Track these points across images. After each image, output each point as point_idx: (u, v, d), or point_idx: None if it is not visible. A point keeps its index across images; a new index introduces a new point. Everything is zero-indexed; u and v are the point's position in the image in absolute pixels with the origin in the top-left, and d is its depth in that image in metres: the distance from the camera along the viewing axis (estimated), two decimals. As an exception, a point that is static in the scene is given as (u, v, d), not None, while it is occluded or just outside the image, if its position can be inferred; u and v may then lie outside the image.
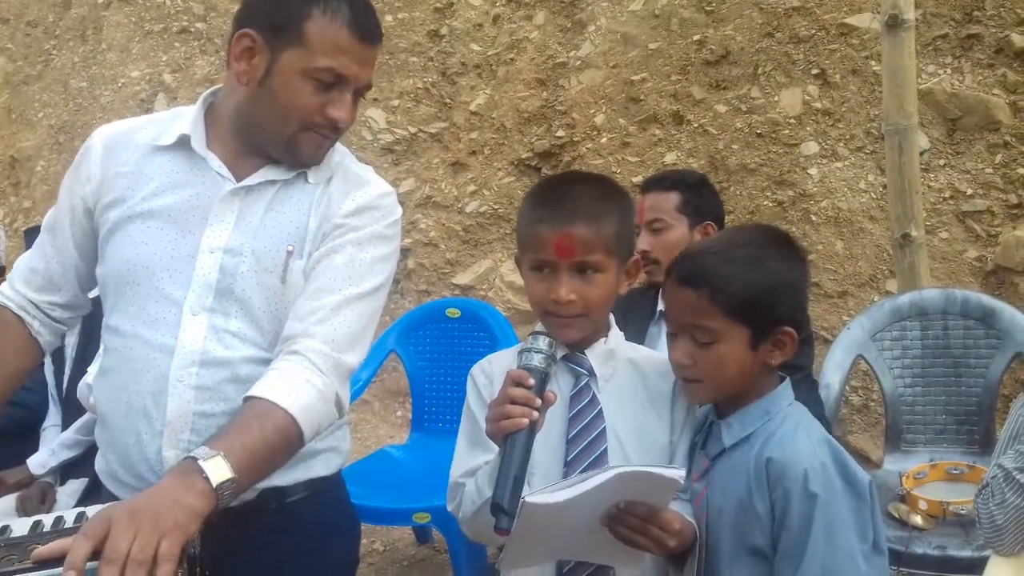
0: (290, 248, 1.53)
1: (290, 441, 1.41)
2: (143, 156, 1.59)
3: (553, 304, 1.51)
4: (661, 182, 2.59)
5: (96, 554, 1.11)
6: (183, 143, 1.57)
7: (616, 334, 1.62)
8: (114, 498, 1.53)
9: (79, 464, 2.79)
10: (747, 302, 1.46)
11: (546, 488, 1.34)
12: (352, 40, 1.48)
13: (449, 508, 1.57)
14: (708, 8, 4.46)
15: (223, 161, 1.56)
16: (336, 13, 1.47)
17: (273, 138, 1.54)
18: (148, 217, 1.55)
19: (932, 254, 3.61)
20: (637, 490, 1.36)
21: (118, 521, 1.14)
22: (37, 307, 1.69)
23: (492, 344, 3.35)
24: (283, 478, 1.55)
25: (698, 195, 2.56)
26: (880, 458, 2.95)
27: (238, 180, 1.55)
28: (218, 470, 1.25)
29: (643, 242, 2.48)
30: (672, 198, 2.52)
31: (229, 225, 1.53)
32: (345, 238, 1.55)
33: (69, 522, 1.32)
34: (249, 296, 1.52)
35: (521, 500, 1.29)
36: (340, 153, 1.65)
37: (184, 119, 1.59)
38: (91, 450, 2.55)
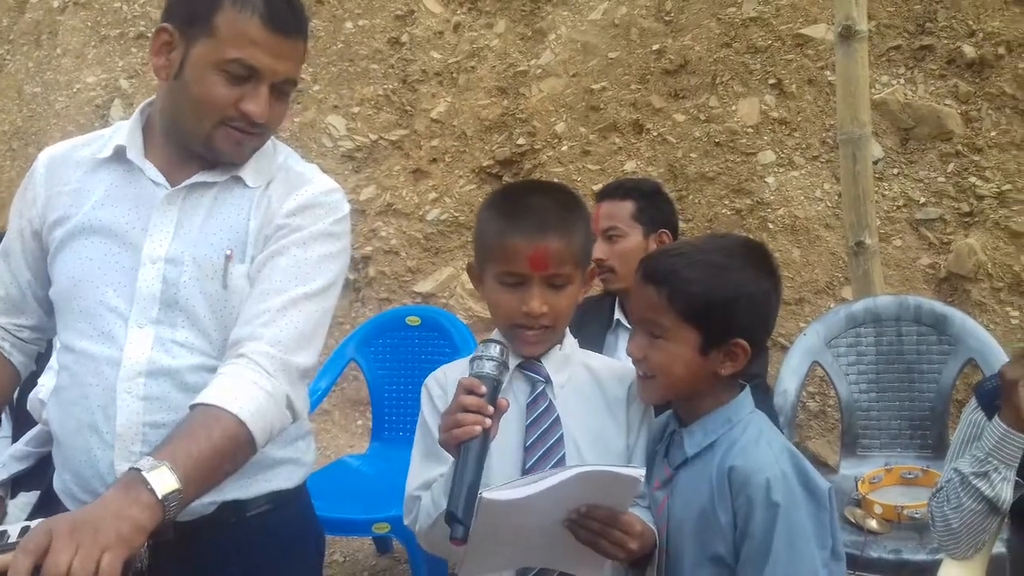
0: (228, 252, 1.50)
1: (240, 446, 1.38)
2: (85, 172, 1.57)
3: (524, 316, 1.50)
4: (616, 191, 2.60)
5: (38, 568, 1.09)
6: (120, 154, 1.55)
7: (570, 341, 1.62)
8: None
9: (30, 477, 2.73)
10: (702, 307, 1.47)
11: (505, 485, 1.34)
12: (264, 32, 1.45)
13: (406, 522, 1.56)
14: (667, 18, 4.51)
15: (160, 169, 1.54)
16: (247, 4, 1.44)
17: (192, 135, 1.51)
18: (90, 232, 1.53)
19: (886, 261, 3.67)
20: (598, 492, 1.36)
21: (59, 535, 1.12)
22: (6, 330, 1.67)
23: (453, 352, 3.34)
24: (243, 491, 1.53)
25: (653, 204, 2.58)
26: (837, 463, 2.98)
27: (174, 186, 1.53)
28: (163, 481, 1.22)
29: (598, 250, 2.49)
30: (627, 207, 2.54)
31: (169, 234, 1.51)
32: (288, 239, 1.52)
33: (13, 536, 1.28)
34: (193, 305, 1.49)
35: (479, 496, 1.29)
36: (283, 154, 1.63)
37: (122, 131, 1.58)
38: (42, 462, 2.51)
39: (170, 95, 1.52)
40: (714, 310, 1.47)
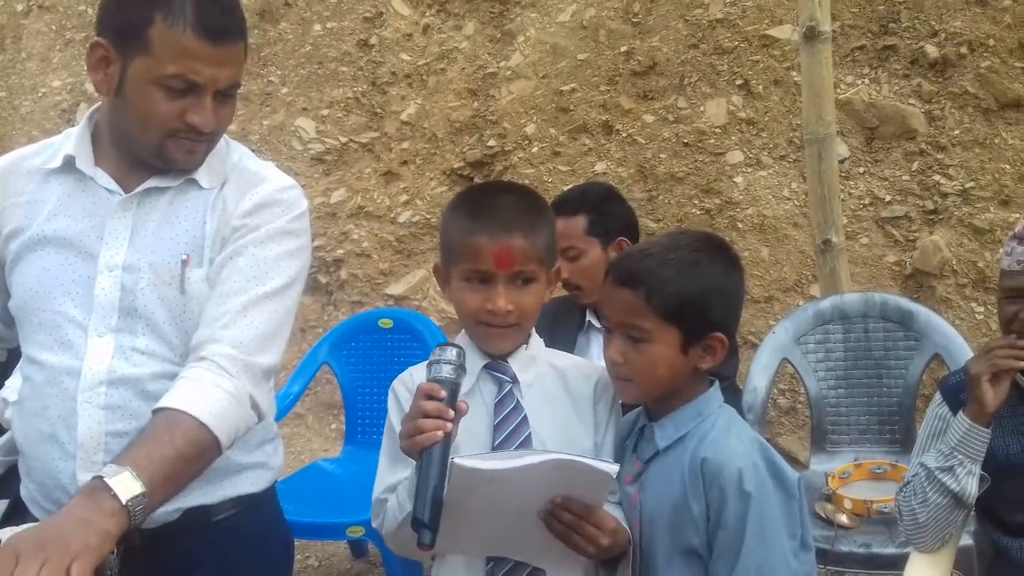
0: (184, 257, 1.50)
1: (204, 449, 1.38)
2: (37, 183, 1.56)
3: (489, 314, 1.51)
4: (565, 207, 2.50)
5: None
6: (70, 164, 1.53)
7: (536, 340, 1.64)
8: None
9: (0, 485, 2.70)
10: (680, 305, 1.48)
11: (478, 455, 1.34)
12: (199, 43, 1.41)
13: (374, 525, 1.57)
14: (635, 20, 4.53)
15: (112, 176, 1.53)
16: (180, 16, 1.40)
17: (141, 148, 1.50)
18: (46, 243, 1.51)
19: (853, 259, 3.71)
20: (571, 484, 1.37)
21: (25, 552, 1.11)
22: None
23: (425, 354, 3.27)
24: (209, 495, 1.53)
25: (604, 214, 2.51)
26: (807, 459, 3.02)
27: (127, 193, 1.52)
28: (127, 486, 1.22)
29: (561, 270, 2.46)
30: (579, 223, 2.47)
31: (124, 241, 1.50)
32: (246, 239, 1.51)
33: (-14, 547, 1.27)
34: (152, 311, 1.49)
35: (450, 461, 1.30)
36: (237, 153, 1.62)
37: (71, 139, 1.56)
38: (11, 471, 2.47)
39: (114, 111, 1.50)
40: (692, 306, 1.49)
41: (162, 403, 1.38)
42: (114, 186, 1.52)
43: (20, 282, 1.53)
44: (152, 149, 1.49)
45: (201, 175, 1.54)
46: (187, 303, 1.49)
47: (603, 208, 2.54)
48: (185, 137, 1.48)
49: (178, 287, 1.49)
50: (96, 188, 1.53)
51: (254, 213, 1.53)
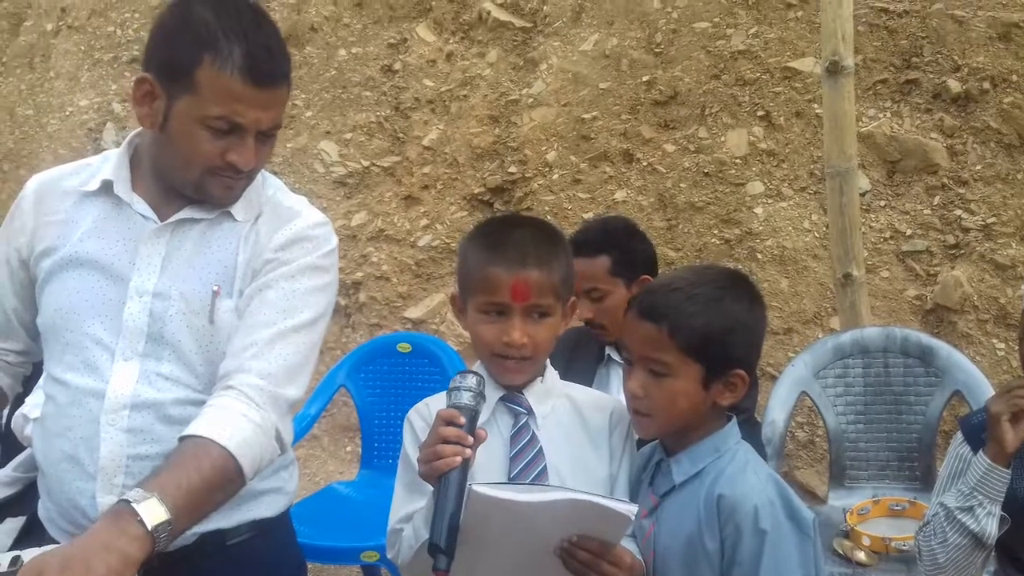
0: (216, 288, 1.51)
1: (229, 478, 1.39)
2: (72, 204, 1.58)
3: (505, 347, 1.52)
4: (587, 247, 2.43)
5: None
6: (108, 188, 1.56)
7: (551, 373, 1.64)
8: (55, 543, 1.50)
9: (16, 502, 2.71)
10: (704, 340, 1.48)
11: (496, 483, 1.35)
12: (246, 87, 1.43)
13: (389, 555, 1.57)
14: (657, 50, 4.56)
15: (148, 203, 1.55)
16: (228, 59, 1.42)
17: (181, 182, 1.52)
18: (78, 264, 1.53)
19: (873, 292, 3.69)
20: (588, 523, 1.37)
21: (49, 574, 1.12)
22: None
23: (443, 379, 3.33)
24: (225, 519, 1.53)
25: (628, 252, 2.47)
26: (825, 494, 2.99)
27: (162, 221, 1.54)
28: (153, 512, 1.23)
29: (585, 310, 2.42)
30: (602, 263, 2.43)
31: (156, 268, 1.52)
32: (276, 272, 1.53)
33: (4, 566, 1.29)
34: (180, 339, 1.50)
35: (468, 487, 1.30)
36: (272, 187, 1.64)
37: (110, 163, 1.58)
38: (29, 488, 2.49)
39: (157, 144, 1.53)
40: (715, 342, 1.49)
41: (190, 430, 1.39)
42: (150, 213, 1.54)
43: (50, 301, 1.55)
44: (192, 184, 1.51)
45: (236, 208, 1.57)
46: (215, 333, 1.51)
47: (626, 246, 2.50)
48: (224, 175, 1.50)
49: (207, 317, 1.51)
50: (131, 213, 1.55)
51: (286, 248, 1.55)
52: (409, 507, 1.52)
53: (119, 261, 1.52)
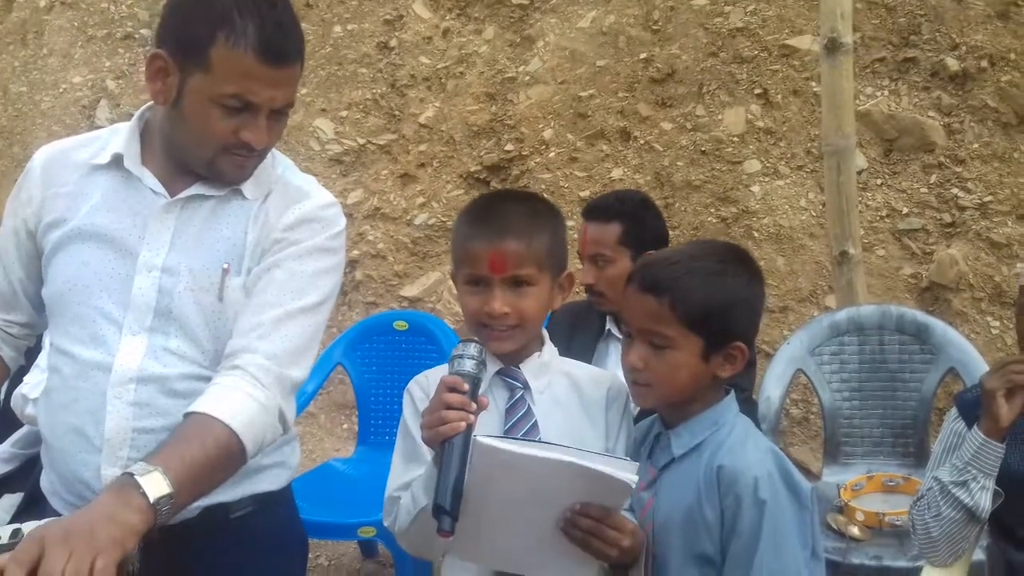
0: (226, 266, 1.52)
1: (232, 456, 1.39)
2: (82, 176, 1.57)
3: (487, 317, 1.54)
4: (602, 212, 2.49)
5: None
6: (118, 161, 1.55)
7: (550, 348, 1.65)
8: (57, 515, 1.51)
9: (15, 478, 2.72)
10: (704, 313, 1.49)
11: (500, 437, 1.37)
12: (259, 65, 1.43)
13: (385, 523, 1.58)
14: (654, 27, 4.54)
15: (158, 178, 1.55)
16: (241, 37, 1.41)
17: (194, 160, 1.52)
18: (87, 237, 1.53)
19: (869, 271, 3.70)
20: (591, 491, 1.38)
21: (52, 542, 1.12)
22: None
23: (440, 357, 3.34)
24: (228, 493, 1.54)
25: (640, 224, 2.48)
26: (820, 470, 3.01)
27: (172, 196, 1.54)
28: (156, 485, 1.24)
29: (587, 275, 2.45)
30: (613, 230, 2.44)
31: (165, 244, 1.52)
32: (285, 252, 1.53)
33: (4, 538, 1.29)
34: (187, 315, 1.50)
35: (473, 438, 1.33)
36: (282, 166, 1.64)
37: (120, 136, 1.57)
38: (27, 464, 2.50)
39: (169, 121, 1.52)
40: (715, 315, 1.50)
41: (194, 407, 1.39)
42: (160, 188, 1.54)
43: (57, 273, 1.54)
44: (204, 162, 1.51)
45: (246, 186, 1.56)
46: (223, 310, 1.51)
47: (639, 218, 2.50)
48: (237, 153, 1.50)
49: (216, 294, 1.51)
50: (141, 187, 1.54)
51: (295, 228, 1.55)
52: (407, 476, 1.54)
53: (129, 235, 1.52)
